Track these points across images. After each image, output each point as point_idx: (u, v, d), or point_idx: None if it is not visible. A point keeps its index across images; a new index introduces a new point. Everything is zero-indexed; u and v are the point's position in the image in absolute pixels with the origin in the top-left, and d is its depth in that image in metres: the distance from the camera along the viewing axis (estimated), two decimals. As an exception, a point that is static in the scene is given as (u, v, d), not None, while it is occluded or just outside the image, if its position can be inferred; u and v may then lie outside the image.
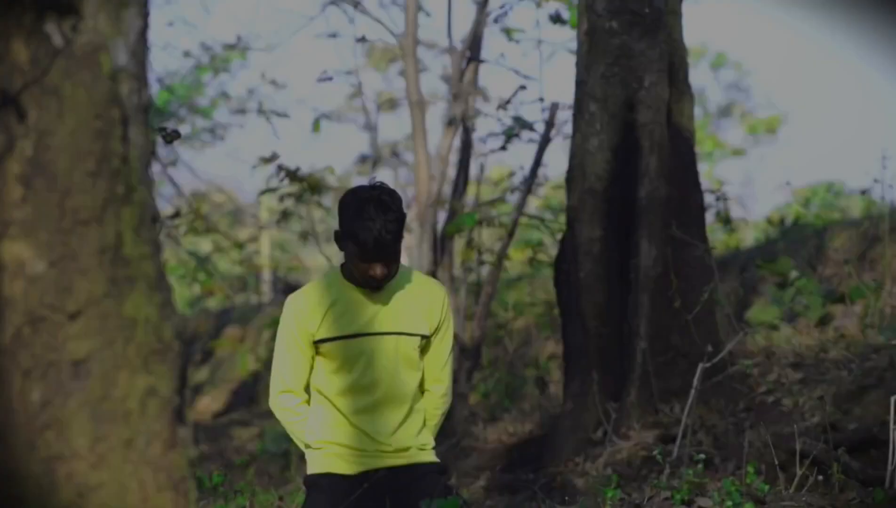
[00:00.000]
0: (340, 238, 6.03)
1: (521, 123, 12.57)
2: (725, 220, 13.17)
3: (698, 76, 41.84)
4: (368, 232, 5.77)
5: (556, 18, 12.98)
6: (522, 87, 12.92)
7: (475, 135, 13.16)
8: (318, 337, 6.11)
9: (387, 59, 22.65)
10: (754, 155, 40.61)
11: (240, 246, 21.80)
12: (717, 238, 15.29)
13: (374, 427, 6.06)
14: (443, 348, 6.18)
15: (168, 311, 3.01)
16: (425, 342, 6.09)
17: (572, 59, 9.39)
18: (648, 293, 8.59)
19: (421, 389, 6.19)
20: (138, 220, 2.98)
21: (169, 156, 16.27)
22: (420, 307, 6.06)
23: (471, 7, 13.68)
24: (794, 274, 11.76)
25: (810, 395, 8.42)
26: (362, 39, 14.32)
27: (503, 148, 12.78)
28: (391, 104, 17.33)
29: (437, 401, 6.23)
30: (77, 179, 2.87)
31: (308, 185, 12.36)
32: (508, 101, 12.76)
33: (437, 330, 6.10)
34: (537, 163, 12.28)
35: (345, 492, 5.98)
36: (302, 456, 6.61)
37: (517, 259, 16.57)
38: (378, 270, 5.88)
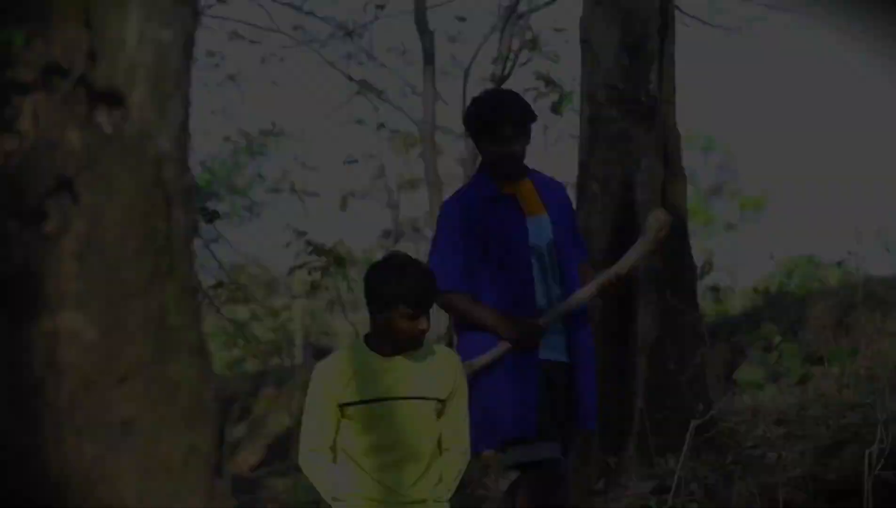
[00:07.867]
0: (379, 310, 6.02)
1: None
2: (714, 290, 13.18)
3: (690, 158, 41.96)
4: (412, 288, 5.81)
5: (557, 107, 13.00)
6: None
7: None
8: (343, 401, 6.09)
9: (407, 143, 22.72)
10: (744, 229, 40.52)
11: (276, 313, 21.82)
12: (708, 305, 15.27)
13: (394, 481, 6.02)
14: (458, 410, 6.13)
15: (208, 375, 3.01)
16: (441, 405, 6.06)
17: (576, 142, 9.42)
18: (645, 356, 8.58)
19: (439, 448, 6.16)
20: (181, 292, 2.98)
21: (210, 234, 16.34)
22: (435, 373, 6.02)
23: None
24: (777, 338, 11.74)
25: (792, 449, 8.38)
26: (382, 126, 14.46)
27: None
28: (411, 184, 17.36)
29: (455, 459, 6.18)
30: (125, 255, 2.88)
31: (333, 259, 12.35)
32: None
33: (451, 394, 6.07)
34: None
35: (369, 540, 5.95)
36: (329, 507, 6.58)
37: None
38: (424, 323, 5.88)
